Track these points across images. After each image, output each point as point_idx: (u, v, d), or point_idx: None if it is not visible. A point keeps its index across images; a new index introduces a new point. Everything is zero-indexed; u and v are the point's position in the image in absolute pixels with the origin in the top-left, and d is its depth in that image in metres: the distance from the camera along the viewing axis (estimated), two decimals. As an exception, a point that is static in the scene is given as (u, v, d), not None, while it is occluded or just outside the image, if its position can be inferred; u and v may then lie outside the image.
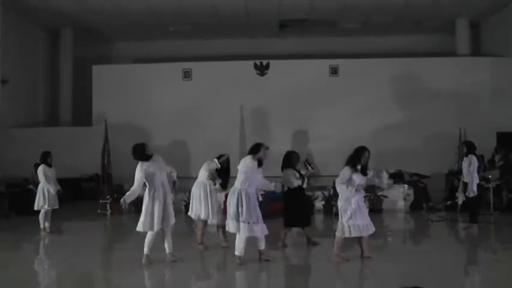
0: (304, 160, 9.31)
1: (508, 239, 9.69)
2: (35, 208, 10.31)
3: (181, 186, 9.24)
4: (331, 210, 11.82)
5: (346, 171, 7.30)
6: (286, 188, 8.53)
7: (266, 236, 7.35)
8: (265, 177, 7.48)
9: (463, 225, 10.50)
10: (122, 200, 7.25)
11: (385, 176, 7.58)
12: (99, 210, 12.89)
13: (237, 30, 17.73)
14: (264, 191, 8.09)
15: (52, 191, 10.26)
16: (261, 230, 7.23)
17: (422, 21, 16.96)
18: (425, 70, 16.20)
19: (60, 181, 10.75)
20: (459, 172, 11.43)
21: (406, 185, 13.05)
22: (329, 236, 7.55)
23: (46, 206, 10.22)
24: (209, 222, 8.44)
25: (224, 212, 8.02)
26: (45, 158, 10.40)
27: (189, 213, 8.59)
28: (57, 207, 10.46)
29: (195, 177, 8.73)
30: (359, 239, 7.44)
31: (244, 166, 7.32)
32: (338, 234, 7.32)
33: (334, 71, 16.43)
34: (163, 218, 7.26)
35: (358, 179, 7.27)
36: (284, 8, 15.60)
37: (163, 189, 7.32)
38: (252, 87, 16.12)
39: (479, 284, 6.92)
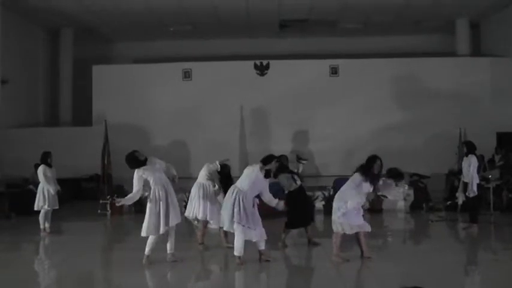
0: (296, 158, 9.25)
1: (508, 239, 9.71)
2: (35, 208, 10.30)
3: (182, 186, 9.27)
4: (331, 211, 11.77)
5: (356, 178, 7.28)
6: (286, 191, 8.55)
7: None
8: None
9: (463, 225, 10.50)
10: (118, 199, 7.28)
11: (393, 186, 7.56)
12: (99, 211, 12.87)
13: (237, 30, 17.72)
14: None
15: (52, 191, 10.26)
16: (259, 235, 7.22)
17: (422, 21, 16.95)
18: (425, 70, 16.19)
19: (60, 181, 10.75)
20: (459, 172, 11.42)
21: (406, 185, 13.04)
22: (329, 237, 7.55)
23: (46, 207, 10.22)
24: (209, 225, 8.45)
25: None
26: (45, 158, 10.40)
27: (186, 214, 8.59)
28: (57, 207, 10.46)
29: (195, 177, 8.74)
30: (358, 240, 7.44)
31: (252, 173, 7.28)
32: (334, 230, 7.33)
33: (334, 71, 16.43)
34: (168, 217, 7.23)
35: (366, 187, 7.25)
36: (284, 8, 15.59)
37: (164, 189, 7.30)
38: (252, 87, 16.11)
39: (480, 284, 6.93)
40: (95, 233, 11.13)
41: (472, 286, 6.90)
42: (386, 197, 12.48)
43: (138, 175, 7.26)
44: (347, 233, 7.29)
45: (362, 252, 7.46)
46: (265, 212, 7.82)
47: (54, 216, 10.60)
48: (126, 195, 7.63)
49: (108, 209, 12.77)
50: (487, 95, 16.01)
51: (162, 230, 7.21)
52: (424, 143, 15.64)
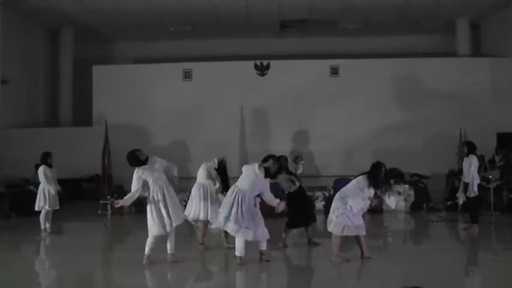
0: (295, 159, 9.23)
1: (508, 240, 9.70)
2: (36, 209, 10.30)
3: (182, 186, 9.25)
4: (331, 211, 11.79)
5: (361, 182, 7.28)
6: (286, 192, 8.55)
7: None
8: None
9: (464, 226, 10.50)
10: (116, 200, 7.30)
11: (395, 196, 7.56)
12: (99, 211, 12.87)
13: (237, 31, 17.72)
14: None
15: (52, 191, 10.25)
16: (261, 234, 7.21)
17: (422, 21, 16.95)
18: (425, 70, 16.19)
19: (61, 181, 10.74)
20: (459, 172, 11.42)
21: (406, 185, 13.04)
22: (329, 237, 7.55)
23: (47, 207, 10.22)
24: (209, 225, 8.45)
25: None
26: (46, 159, 10.39)
27: (185, 214, 8.57)
28: (57, 207, 10.45)
29: (195, 177, 8.73)
30: (358, 240, 7.44)
31: (251, 173, 7.26)
32: (333, 231, 7.32)
33: (334, 71, 16.43)
34: (170, 217, 7.23)
35: (368, 193, 7.26)
36: (284, 8, 15.59)
37: (162, 190, 7.28)
38: (252, 87, 16.10)
39: (480, 284, 6.92)
40: (95, 233, 11.14)
41: (472, 286, 6.90)
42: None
43: (137, 175, 7.25)
44: (340, 234, 7.28)
45: (362, 252, 7.46)
46: (267, 212, 7.81)
47: (55, 216, 10.60)
48: (126, 195, 7.62)
49: (109, 209, 12.75)
50: (487, 95, 16.01)
51: (168, 228, 7.21)
52: (424, 143, 15.65)
